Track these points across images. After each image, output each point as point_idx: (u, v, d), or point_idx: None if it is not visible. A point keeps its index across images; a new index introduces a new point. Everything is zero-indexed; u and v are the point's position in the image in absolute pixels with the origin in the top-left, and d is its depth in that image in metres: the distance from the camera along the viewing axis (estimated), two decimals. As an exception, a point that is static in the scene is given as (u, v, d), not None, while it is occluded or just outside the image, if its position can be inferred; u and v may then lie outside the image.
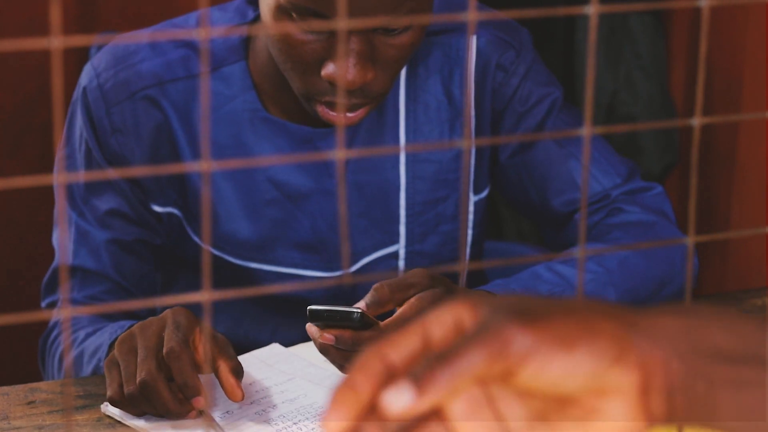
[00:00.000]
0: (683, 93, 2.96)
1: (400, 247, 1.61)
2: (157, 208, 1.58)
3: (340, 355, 1.36)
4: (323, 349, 1.37)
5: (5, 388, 1.45)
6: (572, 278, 1.49)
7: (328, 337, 1.34)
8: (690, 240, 0.77)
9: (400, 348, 0.68)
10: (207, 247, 0.66)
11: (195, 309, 1.62)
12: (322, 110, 1.45)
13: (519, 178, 1.63)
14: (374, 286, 1.38)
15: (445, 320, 0.69)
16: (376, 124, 1.57)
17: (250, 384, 1.43)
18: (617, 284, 1.52)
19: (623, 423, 0.70)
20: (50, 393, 1.44)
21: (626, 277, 1.53)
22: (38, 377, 1.60)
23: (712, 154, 2.88)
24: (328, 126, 1.55)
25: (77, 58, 2.20)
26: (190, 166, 0.60)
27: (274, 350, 1.51)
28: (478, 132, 1.61)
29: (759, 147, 2.75)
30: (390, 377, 0.67)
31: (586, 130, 0.71)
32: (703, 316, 0.72)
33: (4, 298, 2.59)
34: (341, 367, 1.39)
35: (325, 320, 1.34)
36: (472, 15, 0.69)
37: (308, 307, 1.35)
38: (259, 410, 1.38)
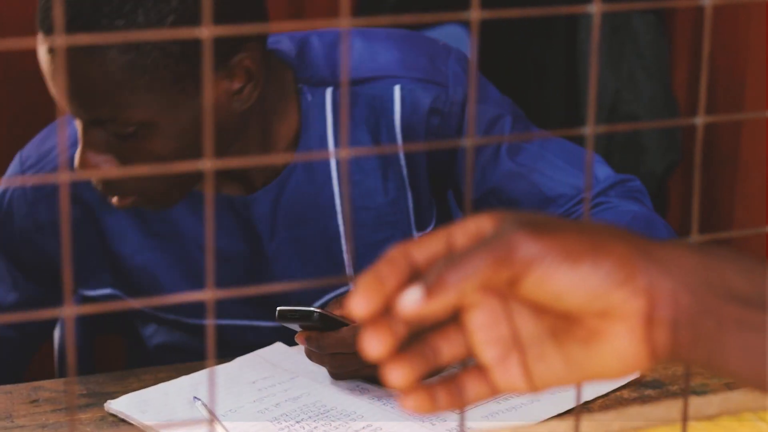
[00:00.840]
0: (686, 92, 2.96)
1: (351, 288, 1.60)
2: (89, 293, 1.59)
3: (316, 357, 1.41)
4: (307, 354, 1.42)
5: (8, 387, 1.45)
6: None
7: (300, 338, 1.40)
8: (693, 239, 0.77)
9: (424, 249, 0.70)
10: (209, 243, 0.66)
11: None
12: None
13: (492, 207, 1.61)
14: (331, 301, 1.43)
15: (468, 228, 0.71)
16: (305, 179, 1.55)
17: (253, 382, 1.44)
18: None
19: (626, 350, 0.69)
20: (54, 392, 1.44)
21: None
22: (42, 376, 1.60)
23: (714, 153, 2.88)
24: (249, 193, 1.54)
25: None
26: (191, 165, 0.60)
27: (277, 348, 1.51)
28: (413, 180, 1.57)
29: (762, 146, 2.75)
30: (412, 277, 0.69)
31: (588, 130, 0.71)
32: (719, 255, 0.71)
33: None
34: (334, 375, 1.43)
35: (288, 320, 1.39)
36: (474, 14, 0.69)
37: (277, 308, 1.39)
38: (262, 408, 1.38)
